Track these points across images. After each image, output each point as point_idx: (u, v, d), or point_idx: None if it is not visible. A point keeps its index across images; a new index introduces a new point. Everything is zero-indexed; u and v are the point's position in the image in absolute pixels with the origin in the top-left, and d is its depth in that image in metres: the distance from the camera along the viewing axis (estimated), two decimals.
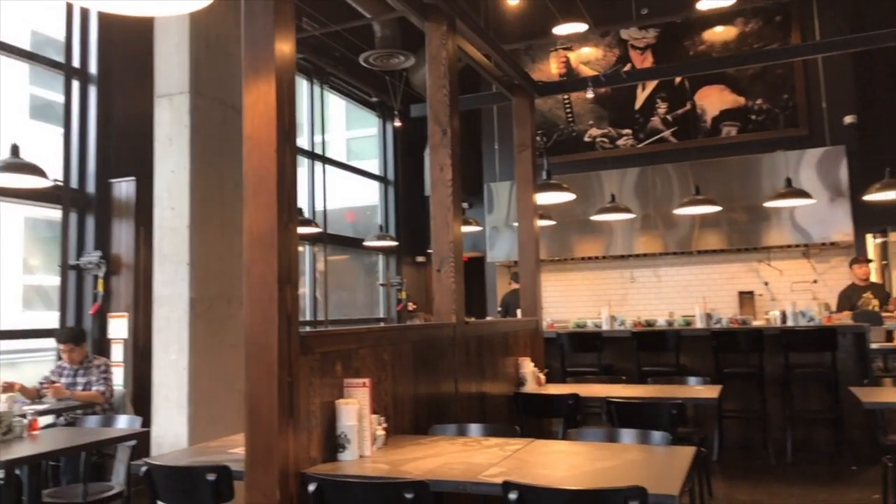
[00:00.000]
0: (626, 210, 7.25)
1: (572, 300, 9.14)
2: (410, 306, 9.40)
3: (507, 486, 2.06)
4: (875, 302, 6.56)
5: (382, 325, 8.63)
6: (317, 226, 7.43)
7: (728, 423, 6.03)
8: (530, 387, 4.60)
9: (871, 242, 8.40)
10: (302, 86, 8.40)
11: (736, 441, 6.15)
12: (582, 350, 6.45)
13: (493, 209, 9.30)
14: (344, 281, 9.43)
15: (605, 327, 6.98)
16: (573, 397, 4.08)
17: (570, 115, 9.41)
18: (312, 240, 8.07)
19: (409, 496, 2.10)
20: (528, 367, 4.64)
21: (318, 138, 8.46)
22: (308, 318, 8.04)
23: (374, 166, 9.99)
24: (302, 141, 8.27)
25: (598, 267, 9.14)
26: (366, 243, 8.32)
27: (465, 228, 7.57)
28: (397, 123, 7.87)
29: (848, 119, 7.86)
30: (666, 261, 8.72)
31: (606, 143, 9.22)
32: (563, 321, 8.20)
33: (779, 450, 5.68)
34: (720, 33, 8.66)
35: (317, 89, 8.54)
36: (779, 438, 5.71)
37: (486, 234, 9.22)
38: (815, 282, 7.93)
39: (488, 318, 8.23)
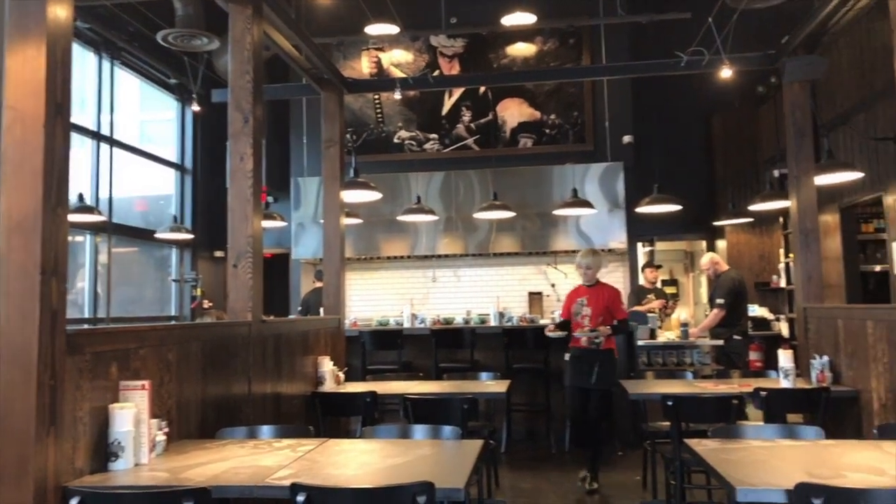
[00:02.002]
0: (431, 212, 7.44)
1: (377, 299, 9.21)
2: (206, 304, 8.89)
3: (295, 488, 2.01)
4: (657, 301, 7.32)
5: (174, 323, 8.06)
6: (100, 213, 6.77)
7: (516, 415, 6.42)
8: (329, 386, 4.55)
9: (641, 250, 9.42)
10: (87, 59, 7.61)
11: (523, 432, 6.57)
12: (383, 348, 6.52)
13: (299, 205, 9.10)
14: (131, 275, 8.69)
15: (406, 325, 7.12)
16: (371, 395, 4.10)
17: (380, 116, 9.48)
18: (95, 229, 7.34)
19: None
20: (326, 365, 4.58)
21: (105, 118, 7.72)
22: (87, 315, 7.29)
23: (170, 153, 9.33)
24: (86, 119, 7.49)
25: (402, 266, 9.30)
26: (157, 235, 7.73)
27: (269, 223, 7.33)
28: (196, 108, 7.40)
29: (626, 138, 8.73)
30: (466, 262, 9.09)
31: (414, 145, 9.41)
32: (368, 319, 8.24)
33: (559, 439, 6.16)
34: (521, 49, 9.21)
35: (106, 64, 7.79)
36: (560, 429, 6.18)
37: (292, 231, 9.00)
38: None
39: (290, 317, 8.03)
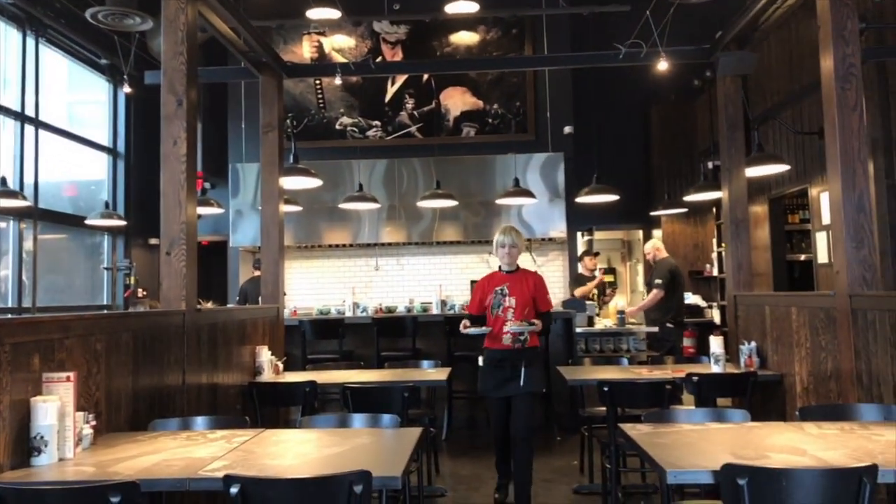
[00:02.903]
0: (373, 200, 7.39)
1: (318, 288, 9.11)
2: (140, 293, 8.62)
3: (228, 479, 1.97)
4: (595, 291, 7.47)
5: (102, 312, 7.80)
6: (25, 199, 6.46)
7: (457, 403, 6.46)
8: (267, 376, 4.48)
9: (580, 239, 9.58)
10: (10, 35, 7.24)
11: (464, 420, 6.62)
12: (324, 337, 6.46)
13: (238, 191, 8.90)
14: (60, 263, 8.34)
15: (347, 314, 7.06)
16: (310, 385, 4.05)
17: (321, 102, 9.34)
18: (19, 215, 7.01)
19: (115, 500, 1.90)
20: (264, 355, 4.51)
21: (30, 98, 7.36)
22: (10, 304, 6.98)
23: (102, 136, 8.97)
24: (8, 99, 7.13)
25: (344, 255, 9.22)
26: (88, 222, 7.44)
27: (206, 210, 7.15)
28: (128, 90, 7.13)
29: (566, 129, 8.85)
30: (409, 250, 9.07)
31: (356, 132, 9.31)
32: (308, 308, 8.14)
33: None
34: (464, 38, 9.20)
35: (30, 42, 7.42)
36: None
37: (230, 218, 8.80)
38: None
39: (228, 306, 7.87)
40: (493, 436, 4.32)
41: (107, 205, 7.75)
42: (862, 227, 3.51)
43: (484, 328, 4.17)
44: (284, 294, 8.00)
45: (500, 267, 4.34)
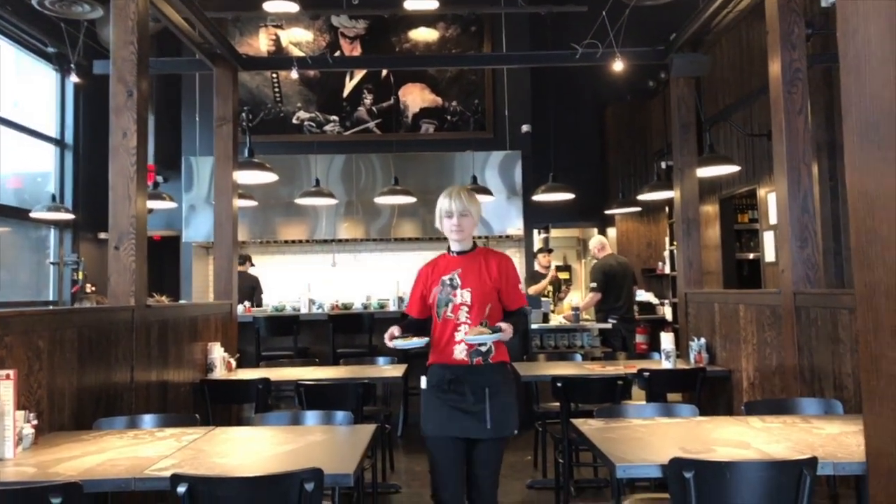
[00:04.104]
0: (330, 195, 7.32)
1: (274, 284, 8.99)
2: (89, 288, 8.39)
3: (176, 478, 1.93)
4: (550, 288, 7.55)
5: (45, 308, 7.57)
6: None
7: (413, 399, 6.44)
8: (219, 373, 4.40)
9: (537, 237, 9.67)
10: None
11: (419, 416, 6.60)
12: (279, 334, 6.38)
13: (191, 185, 8.73)
14: (3, 258, 8.06)
15: (303, 311, 6.99)
16: (263, 382, 4.00)
17: (278, 95, 9.21)
18: None
19: (56, 501, 1.84)
20: (217, 352, 4.43)
21: None
22: None
23: (49, 127, 8.69)
24: None
25: (301, 251, 9.12)
26: (33, 215, 7.21)
27: (158, 204, 7.01)
28: (75, 79, 6.92)
29: (524, 127, 8.91)
30: (367, 247, 9.03)
31: (314, 127, 9.22)
32: (263, 305, 8.03)
33: None
34: (424, 35, 9.18)
35: None
36: None
37: (183, 212, 8.62)
38: None
39: (181, 302, 7.72)
40: (436, 500, 2.84)
41: (53, 197, 7.52)
42: (806, 227, 3.62)
43: (417, 339, 2.82)
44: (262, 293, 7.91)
45: (448, 248, 2.96)
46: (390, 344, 2.82)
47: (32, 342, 2.62)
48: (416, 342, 2.82)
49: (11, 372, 2.31)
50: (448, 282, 2.88)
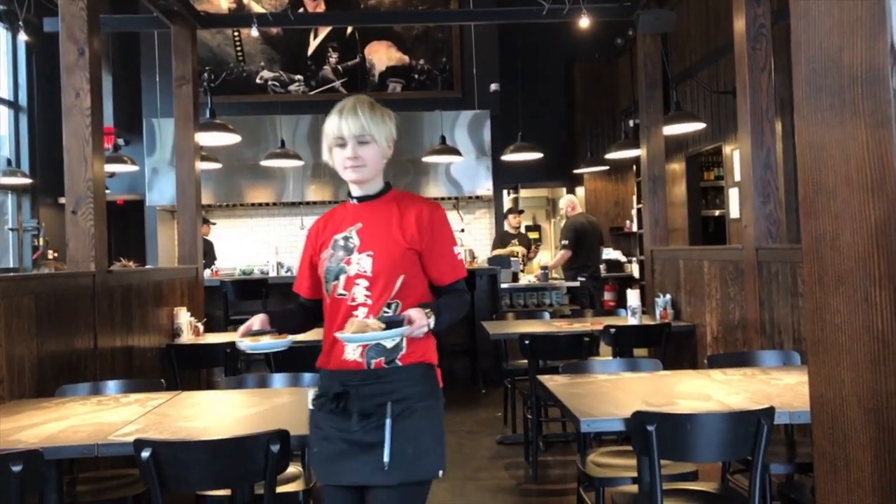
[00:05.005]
0: (296, 157, 7.20)
1: (241, 247, 8.89)
2: (51, 254, 8.22)
3: (139, 443, 1.91)
4: (520, 248, 7.57)
5: (3, 275, 7.39)
6: None
7: None
8: (186, 338, 4.36)
9: (507, 197, 9.67)
10: None
11: None
12: (247, 297, 6.32)
13: (154, 148, 8.52)
14: None
15: (272, 274, 6.93)
16: (230, 345, 3.97)
17: (240, 54, 8.98)
18: None
19: (16, 469, 1.82)
20: (183, 317, 4.38)
21: None
22: None
23: (2, 89, 8.38)
24: None
25: (269, 213, 9.01)
26: None
27: (120, 167, 6.85)
28: (24, 37, 6.66)
29: (492, 86, 8.82)
30: None
31: (278, 87, 9.02)
32: (231, 269, 7.94)
33: None
34: None
35: None
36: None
37: (147, 176, 8.44)
38: (462, 231, 8.85)
39: (147, 267, 7.60)
40: None
41: (9, 162, 7.31)
42: (769, 183, 3.67)
43: (271, 340, 1.88)
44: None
45: (348, 193, 2.04)
46: (241, 345, 1.86)
47: None
48: (271, 344, 1.87)
49: None
50: (342, 242, 1.94)
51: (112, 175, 7.62)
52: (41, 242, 8.15)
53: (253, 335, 1.88)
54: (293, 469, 2.61)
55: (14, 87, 8.51)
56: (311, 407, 1.93)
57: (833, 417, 0.98)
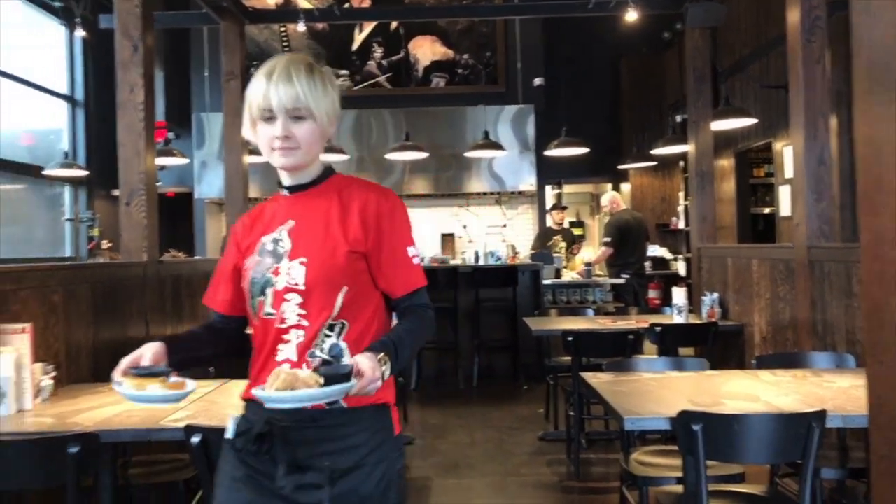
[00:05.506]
0: (341, 151, 7.28)
1: None
2: (105, 244, 8.47)
3: (190, 429, 1.97)
4: (563, 244, 7.53)
5: (57, 263, 7.65)
6: None
7: (426, 353, 6.52)
8: None
9: (550, 192, 9.60)
10: None
11: (432, 370, 6.69)
12: None
13: (202, 142, 8.71)
14: (18, 214, 8.13)
15: None
16: None
17: (287, 49, 9.09)
18: None
19: (73, 450, 1.89)
20: None
21: None
22: None
23: (60, 84, 8.66)
24: None
25: None
26: (46, 172, 7.23)
27: (170, 161, 7.01)
28: (81, 33, 6.86)
29: (536, 81, 8.76)
30: None
31: None
32: None
33: (467, 376, 6.32)
34: None
35: None
36: (467, 366, 6.34)
37: (195, 169, 8.63)
38: (504, 226, 8.83)
39: (195, 258, 7.78)
40: None
41: (66, 154, 7.54)
42: (822, 179, 3.56)
43: (166, 391, 1.43)
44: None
45: (278, 182, 1.58)
46: (117, 390, 1.46)
47: (46, 297, 2.65)
48: (159, 396, 1.42)
49: (28, 325, 2.35)
50: (270, 247, 1.51)
51: (163, 168, 7.81)
52: (96, 233, 8.42)
53: (138, 375, 1.41)
54: None
55: (71, 82, 8.78)
56: (228, 436, 1.44)
57: (892, 420, 0.96)
